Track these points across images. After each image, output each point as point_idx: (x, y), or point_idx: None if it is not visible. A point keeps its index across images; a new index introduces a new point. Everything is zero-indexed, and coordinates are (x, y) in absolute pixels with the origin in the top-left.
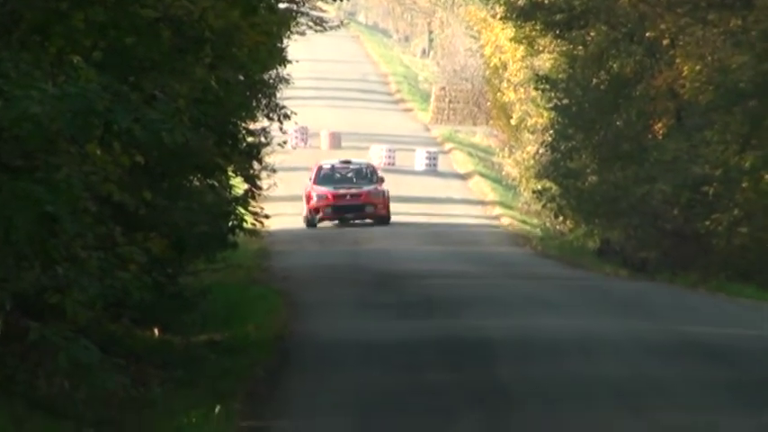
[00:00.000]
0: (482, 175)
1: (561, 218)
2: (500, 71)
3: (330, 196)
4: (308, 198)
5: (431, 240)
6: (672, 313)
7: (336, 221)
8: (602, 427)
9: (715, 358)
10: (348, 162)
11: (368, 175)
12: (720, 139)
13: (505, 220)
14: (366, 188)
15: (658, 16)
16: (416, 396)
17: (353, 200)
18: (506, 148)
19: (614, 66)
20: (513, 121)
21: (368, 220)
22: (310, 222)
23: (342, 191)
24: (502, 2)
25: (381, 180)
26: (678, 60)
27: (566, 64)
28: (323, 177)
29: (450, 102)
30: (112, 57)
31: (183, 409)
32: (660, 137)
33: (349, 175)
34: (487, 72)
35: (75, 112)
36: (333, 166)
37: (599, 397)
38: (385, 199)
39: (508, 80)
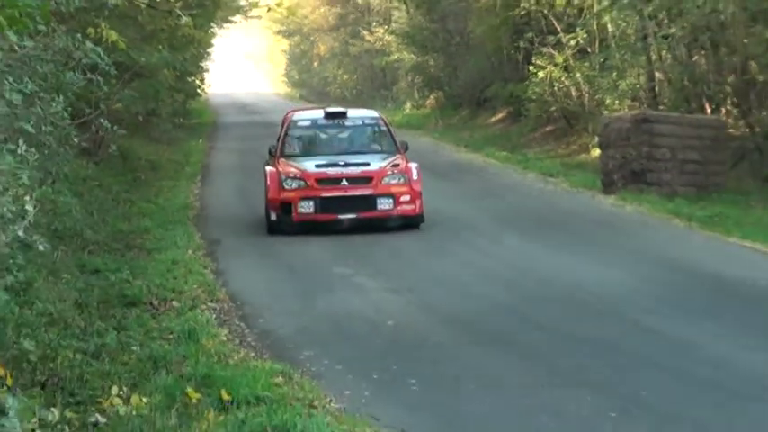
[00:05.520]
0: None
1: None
2: (277, 46)
3: (312, 180)
4: (272, 183)
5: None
6: None
7: (324, 222)
8: None
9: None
10: (341, 115)
11: (376, 135)
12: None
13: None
14: (377, 164)
15: None
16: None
17: (355, 187)
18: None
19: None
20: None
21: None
22: (275, 227)
23: (333, 170)
24: (274, 21)
25: (404, 147)
26: None
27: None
28: (297, 142)
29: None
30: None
31: (186, 140)
32: None
33: (342, 135)
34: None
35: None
36: (314, 122)
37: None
38: (413, 183)
39: (280, 48)
